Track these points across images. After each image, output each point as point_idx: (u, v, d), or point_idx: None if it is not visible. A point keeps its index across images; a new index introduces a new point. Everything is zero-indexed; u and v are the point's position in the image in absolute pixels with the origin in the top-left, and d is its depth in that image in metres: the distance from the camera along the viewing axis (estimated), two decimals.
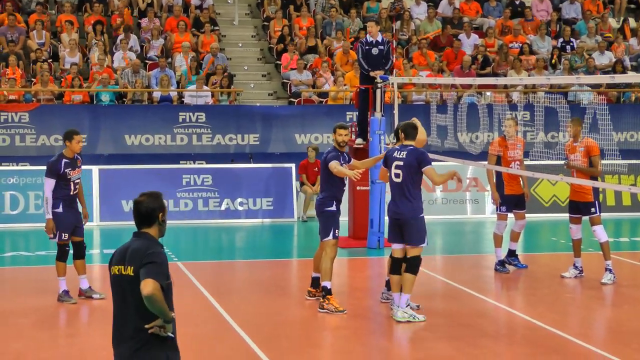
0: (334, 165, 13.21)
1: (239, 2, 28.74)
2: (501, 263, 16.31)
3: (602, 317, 13.39)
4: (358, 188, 19.63)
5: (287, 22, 27.27)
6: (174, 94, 24.77)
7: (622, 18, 29.49)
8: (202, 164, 23.37)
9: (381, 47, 18.95)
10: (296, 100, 25.30)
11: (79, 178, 14.05)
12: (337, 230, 13.31)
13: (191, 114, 23.88)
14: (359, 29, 26.94)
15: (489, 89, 25.29)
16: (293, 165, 22.86)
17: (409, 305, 12.68)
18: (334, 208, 13.34)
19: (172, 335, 6.99)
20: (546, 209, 22.64)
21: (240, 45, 27.91)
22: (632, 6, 30.52)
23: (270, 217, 22.41)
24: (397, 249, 12.80)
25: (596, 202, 15.25)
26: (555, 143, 21.76)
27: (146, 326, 6.83)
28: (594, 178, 15.04)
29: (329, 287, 13.24)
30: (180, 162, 23.43)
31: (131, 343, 6.88)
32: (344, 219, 21.07)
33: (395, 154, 12.77)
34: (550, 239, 20.43)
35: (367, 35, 19.25)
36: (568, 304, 14.33)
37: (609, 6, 29.88)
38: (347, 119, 23.52)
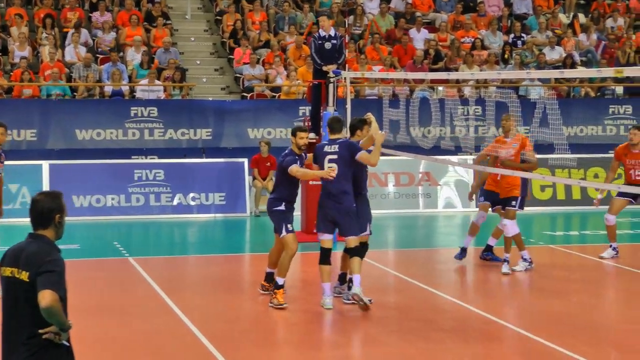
0: (296, 169, 12.93)
1: None
2: (463, 250, 16.36)
3: (553, 310, 13.44)
4: (310, 183, 19.59)
5: (239, 17, 27.18)
6: (125, 89, 24.60)
7: (572, 14, 29.70)
8: (154, 158, 23.24)
9: (334, 41, 18.95)
10: (249, 95, 25.24)
11: (1, 172, 13.88)
12: (289, 225, 13.20)
13: (143, 108, 23.73)
14: (312, 23, 26.93)
15: (441, 84, 25.36)
16: (246, 160, 22.78)
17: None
18: (282, 207, 13.25)
19: (67, 344, 6.61)
20: None
21: (193, 39, 27.79)
22: (582, 2, 30.75)
23: (222, 212, 22.33)
24: (327, 239, 12.94)
25: (520, 197, 15.42)
26: None
27: (40, 331, 6.44)
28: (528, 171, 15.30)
29: (280, 283, 13.20)
30: (132, 157, 23.27)
31: (23, 350, 6.49)
32: (297, 213, 21.13)
33: (325, 148, 12.84)
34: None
35: (320, 30, 19.23)
36: (518, 298, 14.41)
37: (559, 2, 30.09)
38: (300, 114, 23.51)
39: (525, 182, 15.55)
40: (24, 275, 6.48)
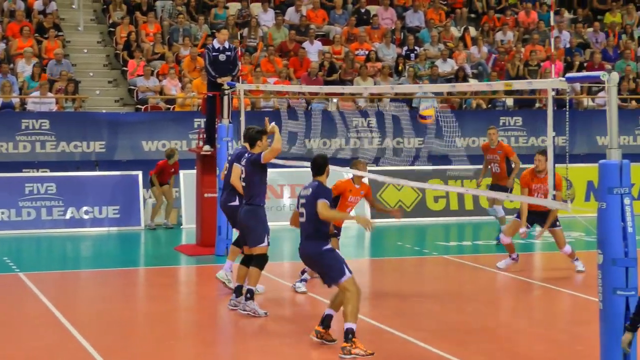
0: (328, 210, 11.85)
1: (83, 8, 28.25)
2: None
3: (447, 319, 13.54)
4: (206, 195, 19.53)
5: (133, 28, 26.91)
6: (16, 101, 24.16)
7: (463, 27, 30.08)
8: (46, 171, 22.83)
9: (228, 53, 18.90)
10: (143, 107, 24.98)
11: None
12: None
13: (34, 121, 23.28)
14: (207, 35, 26.80)
15: (335, 96, 25.45)
16: (140, 173, 22.54)
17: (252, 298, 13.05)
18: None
19: None
20: None
21: (86, 51, 27.43)
22: (473, 16, 31.16)
23: (116, 225, 22.05)
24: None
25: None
26: (400, 149, 22.05)
27: None
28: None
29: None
30: (23, 170, 22.80)
31: None
32: (191, 226, 21.01)
33: (242, 158, 13.11)
34: (396, 244, 20.62)
35: (214, 41, 19.15)
36: (414, 307, 14.46)
37: (451, 15, 30.45)
38: (195, 126, 23.36)
39: None
40: None
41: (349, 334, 11.12)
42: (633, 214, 8.64)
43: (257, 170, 13.15)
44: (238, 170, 13.63)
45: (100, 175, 22.78)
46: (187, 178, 22.29)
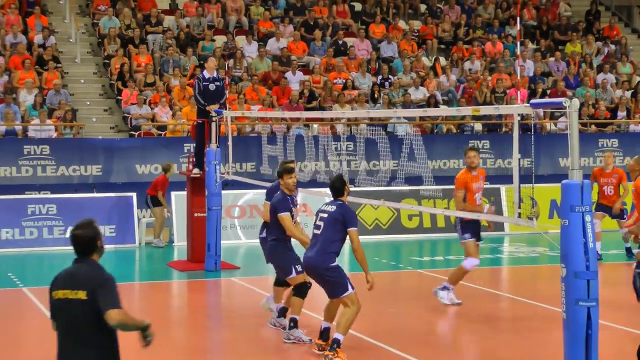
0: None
1: (80, 41, 28.25)
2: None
3: (420, 329, 13.57)
4: (195, 215, 19.55)
5: (126, 60, 26.93)
6: (18, 128, 24.13)
7: (434, 57, 30.22)
8: (47, 194, 22.77)
9: (218, 83, 18.97)
10: (136, 133, 24.99)
11: None
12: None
13: (36, 146, 23.27)
14: (195, 66, 26.85)
15: (315, 122, 25.51)
16: (134, 194, 22.54)
17: (295, 327, 12.32)
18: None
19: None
20: (369, 231, 22.92)
21: (83, 81, 27.42)
22: (442, 46, 31.31)
23: (113, 243, 21.97)
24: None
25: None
26: (376, 171, 22.09)
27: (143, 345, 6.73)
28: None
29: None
30: (26, 192, 22.76)
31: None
32: (182, 244, 20.97)
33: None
34: (374, 259, 20.64)
35: (204, 72, 19.21)
36: (390, 318, 14.49)
37: (422, 46, 30.58)
38: (185, 150, 23.36)
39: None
40: (81, 295, 6.66)
41: (334, 344, 11.11)
42: (594, 230, 8.70)
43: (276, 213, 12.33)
44: (268, 206, 12.73)
45: (97, 197, 22.74)
46: (178, 199, 22.28)
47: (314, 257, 11.34)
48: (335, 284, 11.27)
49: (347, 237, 11.25)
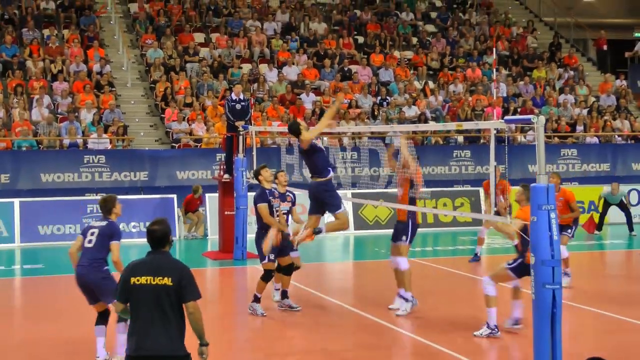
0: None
1: (131, 69, 28.26)
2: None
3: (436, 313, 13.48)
4: (226, 213, 19.54)
5: (169, 84, 26.92)
6: (80, 141, 24.14)
7: (424, 81, 30.14)
8: (103, 195, 22.74)
9: (243, 103, 18.96)
10: (177, 145, 24.97)
11: None
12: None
13: (94, 156, 23.27)
14: (225, 89, 26.82)
15: (325, 135, 25.39)
16: (175, 196, 22.57)
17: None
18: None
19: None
20: (370, 226, 22.84)
21: (133, 102, 27.41)
22: (431, 72, 31.22)
23: None
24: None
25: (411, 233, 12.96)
26: (376, 176, 21.97)
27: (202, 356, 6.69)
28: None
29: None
30: (86, 194, 22.76)
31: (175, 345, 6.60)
32: (215, 237, 20.93)
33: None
34: (374, 249, 20.57)
35: (232, 94, 19.22)
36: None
37: (414, 72, 30.52)
38: (217, 159, 23.31)
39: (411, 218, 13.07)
40: (167, 280, 6.59)
41: (318, 232, 11.82)
42: (558, 225, 8.65)
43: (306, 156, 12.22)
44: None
45: (144, 198, 22.74)
46: (211, 200, 22.26)
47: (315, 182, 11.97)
48: (333, 200, 11.91)
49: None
